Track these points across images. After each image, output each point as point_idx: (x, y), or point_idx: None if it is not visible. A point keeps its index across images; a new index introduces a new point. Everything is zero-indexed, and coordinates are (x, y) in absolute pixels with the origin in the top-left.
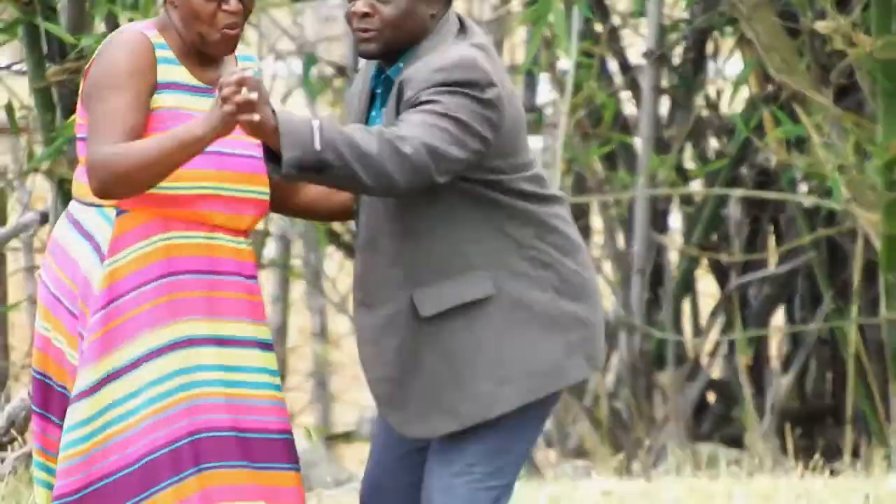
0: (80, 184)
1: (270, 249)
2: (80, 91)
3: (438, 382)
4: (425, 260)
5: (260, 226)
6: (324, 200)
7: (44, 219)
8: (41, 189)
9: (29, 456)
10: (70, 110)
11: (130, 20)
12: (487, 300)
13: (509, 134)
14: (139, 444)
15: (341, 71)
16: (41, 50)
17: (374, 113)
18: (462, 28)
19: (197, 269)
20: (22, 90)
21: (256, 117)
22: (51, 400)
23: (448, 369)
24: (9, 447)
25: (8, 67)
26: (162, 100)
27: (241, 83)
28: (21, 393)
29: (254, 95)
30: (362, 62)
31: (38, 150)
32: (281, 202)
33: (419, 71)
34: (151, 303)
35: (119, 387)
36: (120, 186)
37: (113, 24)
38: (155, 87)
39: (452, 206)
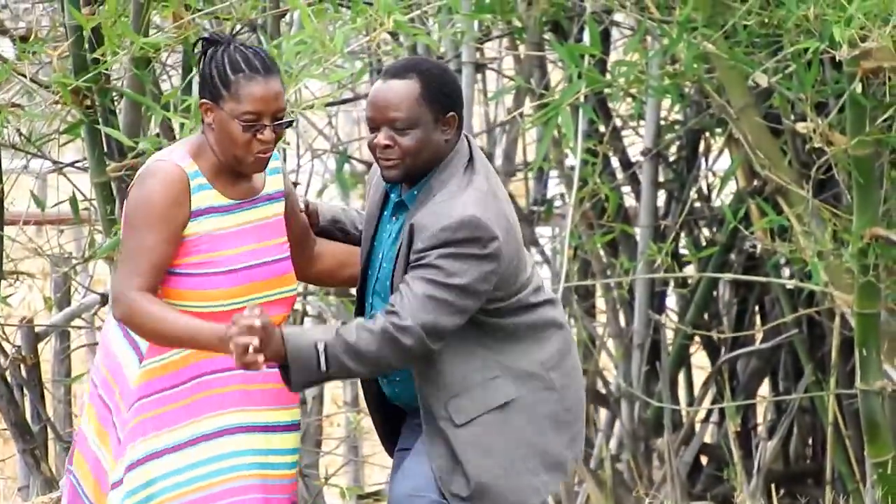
0: None
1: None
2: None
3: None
4: (447, 376)
5: (297, 305)
6: (336, 273)
7: (104, 300)
8: (101, 273)
9: None
10: None
11: (182, 125)
12: (512, 402)
13: (508, 268)
14: None
15: (370, 167)
16: (102, 148)
17: (386, 213)
18: (470, 160)
19: (231, 366)
20: (84, 184)
21: (259, 368)
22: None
23: (491, 463)
24: None
25: (72, 164)
26: (197, 226)
27: (250, 331)
28: None
29: (260, 358)
30: None
31: (98, 238)
32: (297, 273)
33: (429, 225)
34: (192, 398)
35: (158, 467)
36: (131, 327)
37: (167, 128)
38: (189, 217)
39: (456, 335)
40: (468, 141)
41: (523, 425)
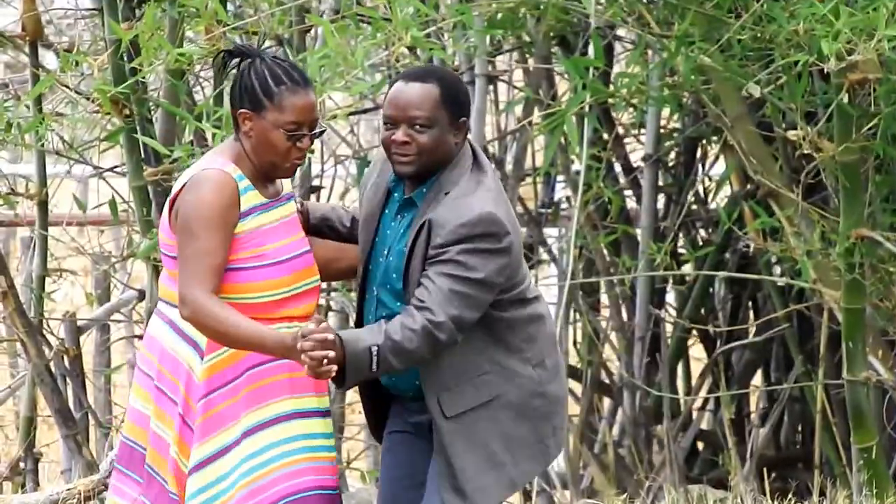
0: (170, 291)
1: (331, 322)
2: (170, 214)
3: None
4: (445, 370)
5: (321, 301)
6: (326, 267)
7: (141, 296)
8: (139, 270)
9: None
10: (162, 206)
11: (214, 135)
12: (497, 398)
13: (514, 262)
14: (272, 492)
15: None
16: (139, 154)
17: (387, 212)
18: (476, 161)
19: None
20: (123, 188)
21: (331, 377)
22: (134, 461)
23: (474, 456)
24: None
25: (111, 169)
26: (245, 224)
27: (324, 344)
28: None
29: (334, 368)
30: (379, 156)
31: (136, 237)
32: None
33: (448, 221)
34: (245, 390)
35: (226, 462)
36: (198, 327)
37: (200, 136)
38: (239, 218)
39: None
40: (470, 144)
41: (508, 419)
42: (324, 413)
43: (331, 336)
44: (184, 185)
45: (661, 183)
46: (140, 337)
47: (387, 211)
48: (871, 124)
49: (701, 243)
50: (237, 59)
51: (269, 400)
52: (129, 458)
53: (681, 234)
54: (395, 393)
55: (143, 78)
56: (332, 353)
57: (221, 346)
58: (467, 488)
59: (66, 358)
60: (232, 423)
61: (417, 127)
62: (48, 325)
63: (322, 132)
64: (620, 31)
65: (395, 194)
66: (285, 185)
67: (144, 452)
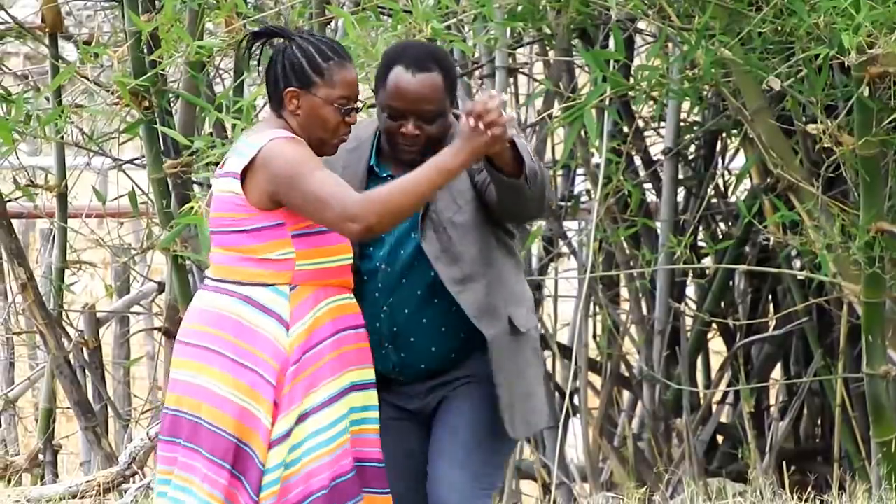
0: (240, 269)
1: None
2: (244, 187)
3: (531, 388)
4: (508, 289)
5: None
6: None
7: (161, 288)
8: (158, 262)
9: (148, 487)
10: (181, 198)
11: (234, 126)
12: (531, 330)
13: None
14: (326, 473)
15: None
16: (159, 146)
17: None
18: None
19: (351, 325)
20: (142, 180)
21: (511, 133)
22: (180, 429)
23: (533, 377)
24: (130, 480)
25: (131, 161)
26: None
27: (499, 109)
28: (140, 434)
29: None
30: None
31: (156, 230)
32: None
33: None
34: (328, 356)
35: (307, 426)
36: (389, 219)
37: (220, 128)
38: None
39: (502, 250)
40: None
41: (537, 351)
42: (372, 385)
43: (495, 99)
44: (254, 158)
45: (680, 176)
46: (159, 329)
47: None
48: (891, 118)
49: (721, 237)
50: (262, 41)
51: (342, 371)
52: (173, 427)
53: (700, 228)
54: (399, 379)
55: (163, 70)
56: (497, 100)
57: (302, 316)
58: (537, 405)
59: (85, 350)
60: (312, 392)
61: (427, 119)
62: (67, 318)
63: (362, 107)
64: (641, 24)
65: (383, 174)
66: None
67: (192, 420)
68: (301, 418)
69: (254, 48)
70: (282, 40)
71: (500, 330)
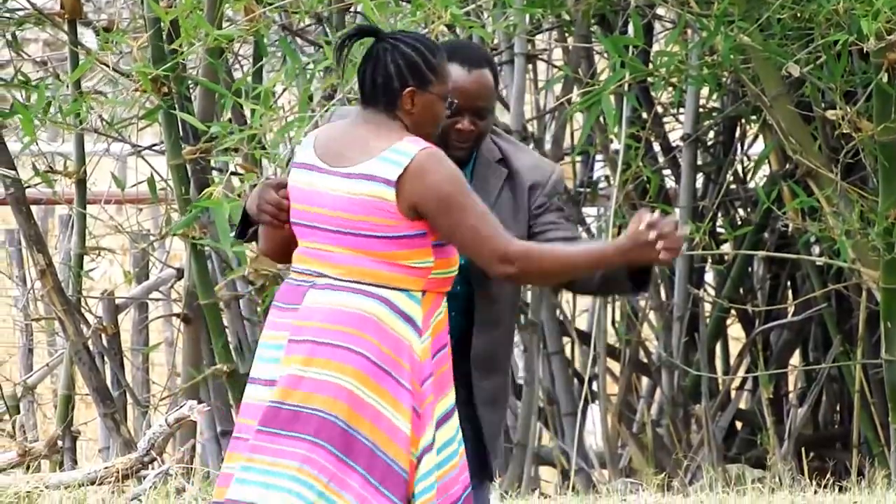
0: (375, 271)
1: None
2: (398, 197)
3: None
4: (512, 336)
5: None
6: (286, 250)
7: (179, 274)
8: (177, 249)
9: (167, 473)
10: (200, 184)
11: (252, 111)
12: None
13: None
14: (458, 485)
15: None
16: (178, 132)
17: None
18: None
19: (446, 343)
20: (161, 166)
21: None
22: (280, 420)
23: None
24: (149, 466)
25: (150, 147)
26: None
27: (680, 238)
28: (159, 420)
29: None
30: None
31: (175, 216)
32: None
33: (539, 180)
34: (445, 364)
35: (443, 433)
36: (536, 276)
37: (238, 114)
38: None
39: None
40: None
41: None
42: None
43: (677, 217)
44: (406, 168)
45: (699, 162)
46: (178, 315)
47: None
48: None
49: (740, 223)
50: (354, 41)
51: (447, 389)
52: (274, 418)
53: (719, 214)
54: None
55: (183, 57)
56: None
57: (429, 324)
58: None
59: (104, 336)
60: (443, 396)
61: (481, 115)
62: (86, 304)
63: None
64: (660, 10)
65: None
66: None
67: (296, 410)
68: (437, 424)
69: (344, 49)
70: (374, 39)
71: (505, 376)
